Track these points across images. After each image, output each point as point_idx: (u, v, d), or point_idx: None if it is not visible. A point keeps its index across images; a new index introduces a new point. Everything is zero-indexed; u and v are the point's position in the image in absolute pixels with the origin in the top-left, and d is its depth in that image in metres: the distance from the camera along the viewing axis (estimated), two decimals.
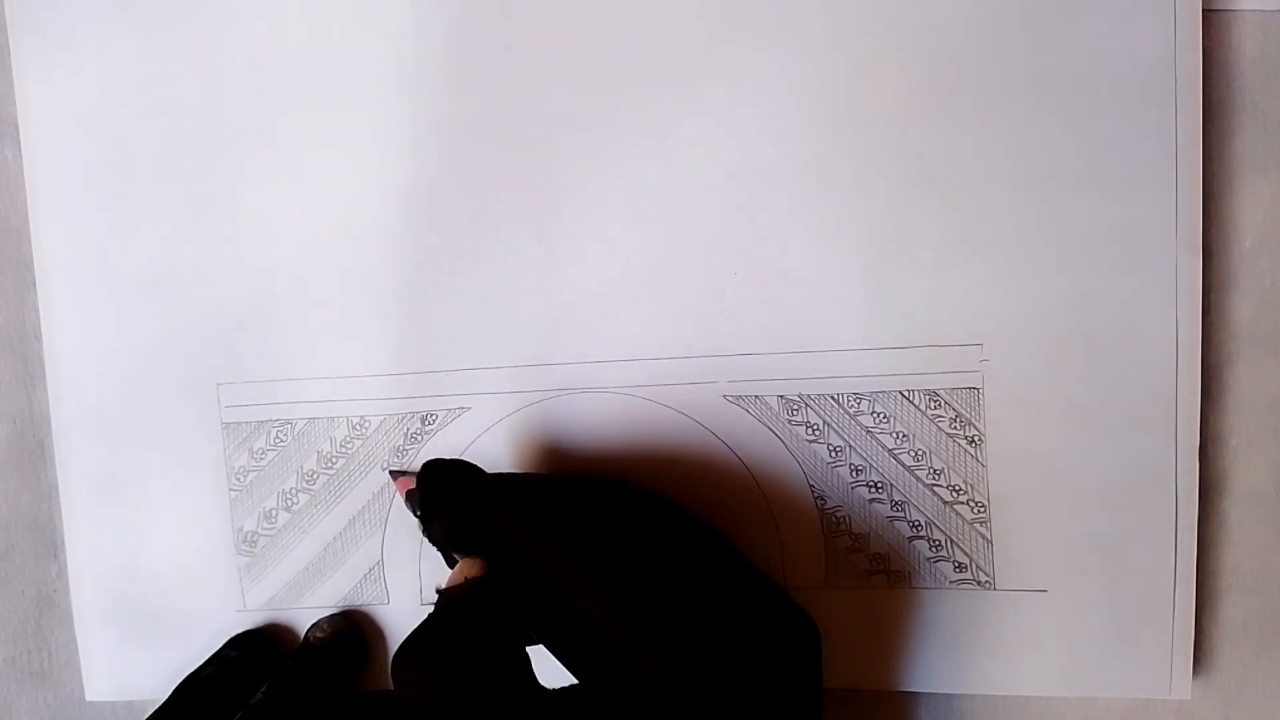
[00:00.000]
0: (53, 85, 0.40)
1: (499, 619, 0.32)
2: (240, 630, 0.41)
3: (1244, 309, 0.37)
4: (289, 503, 0.41)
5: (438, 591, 0.33)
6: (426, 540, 0.36)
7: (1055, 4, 0.35)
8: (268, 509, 0.41)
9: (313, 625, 0.41)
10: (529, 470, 0.39)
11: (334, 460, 0.40)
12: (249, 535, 0.41)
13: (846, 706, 0.39)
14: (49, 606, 0.43)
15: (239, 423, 0.41)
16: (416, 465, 0.40)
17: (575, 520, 0.33)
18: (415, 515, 0.36)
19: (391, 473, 0.40)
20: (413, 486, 0.36)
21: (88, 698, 0.43)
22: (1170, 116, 0.35)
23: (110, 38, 0.40)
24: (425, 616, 0.32)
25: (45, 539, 0.43)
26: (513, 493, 0.35)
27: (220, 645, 0.41)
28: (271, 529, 0.41)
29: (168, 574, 0.42)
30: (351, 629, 0.41)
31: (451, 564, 0.35)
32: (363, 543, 0.40)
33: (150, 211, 0.40)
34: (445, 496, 0.35)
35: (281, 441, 0.40)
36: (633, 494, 0.35)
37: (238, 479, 0.41)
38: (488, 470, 0.37)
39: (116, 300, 0.41)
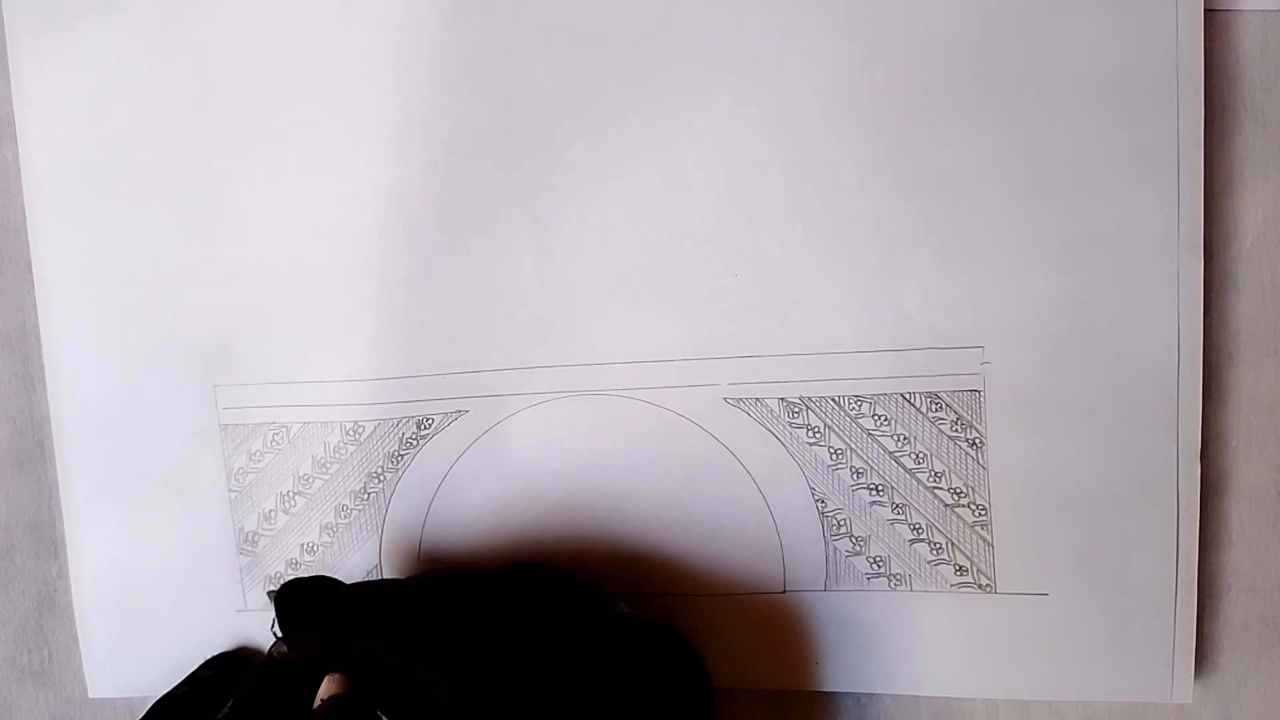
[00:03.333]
0: (50, 84, 0.40)
1: None
2: (238, 629, 0.41)
3: (1244, 309, 0.37)
4: (287, 505, 0.41)
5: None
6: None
7: (1056, 4, 0.35)
8: (267, 510, 0.41)
9: (277, 640, 0.41)
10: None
11: (328, 465, 0.40)
12: (250, 535, 0.41)
13: (845, 709, 0.39)
14: (49, 606, 0.43)
15: (237, 424, 0.41)
16: (413, 469, 0.40)
17: (427, 627, 0.34)
18: (276, 637, 0.37)
19: (269, 594, 0.39)
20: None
21: (90, 695, 0.43)
22: (1172, 117, 0.35)
23: (108, 37, 0.39)
24: None
25: (45, 539, 0.43)
26: (367, 606, 0.36)
27: (197, 665, 0.41)
28: (272, 530, 0.41)
29: (169, 573, 0.41)
30: None
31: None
32: (360, 546, 0.40)
33: (149, 211, 0.40)
34: (303, 617, 0.36)
35: (278, 445, 0.40)
36: (492, 582, 0.36)
37: (237, 480, 0.41)
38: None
39: (115, 300, 0.41)
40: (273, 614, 0.37)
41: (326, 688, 0.34)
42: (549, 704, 0.32)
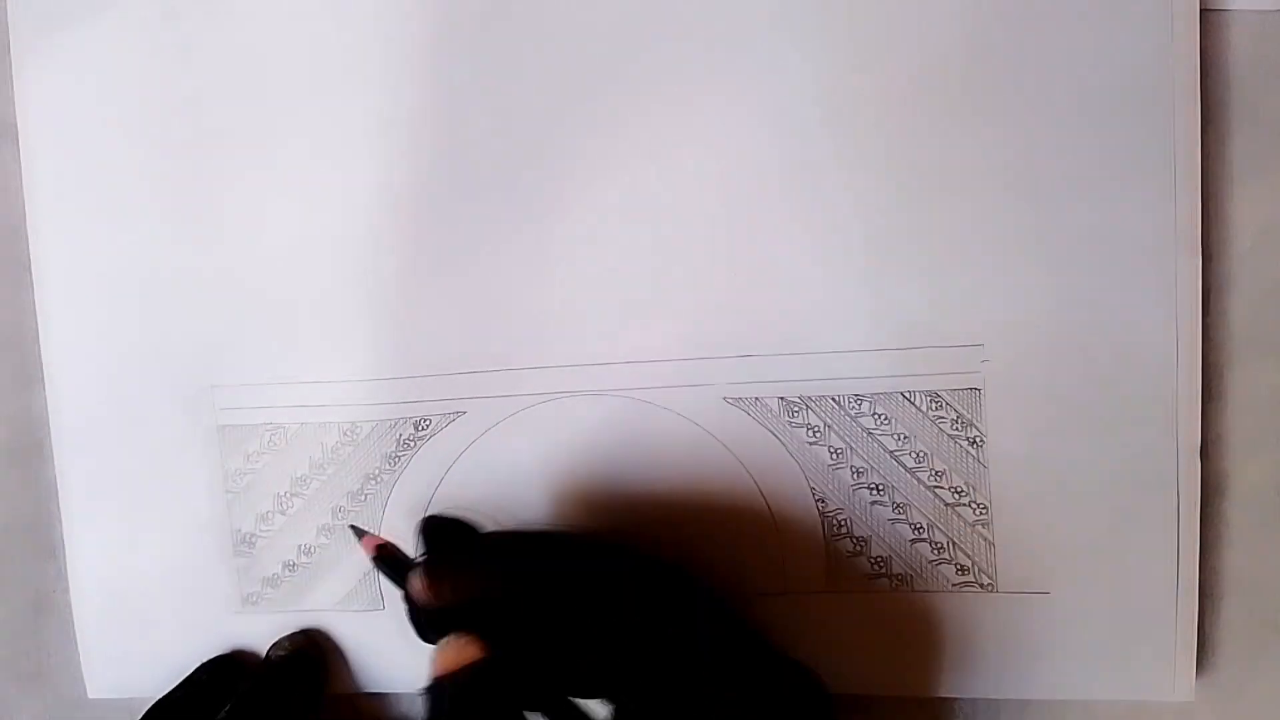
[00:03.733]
0: (51, 87, 0.40)
1: (502, 704, 0.30)
2: (235, 630, 0.41)
3: (1243, 309, 0.37)
4: (284, 506, 0.41)
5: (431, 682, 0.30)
6: (407, 609, 0.33)
7: (1052, 6, 0.35)
8: (264, 511, 0.41)
9: (274, 644, 0.41)
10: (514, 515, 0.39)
11: (325, 466, 0.40)
12: (247, 536, 0.41)
13: (846, 710, 0.39)
14: (47, 607, 0.43)
15: (234, 425, 0.40)
16: (410, 470, 0.40)
17: (580, 587, 0.32)
18: (390, 577, 0.34)
19: (354, 528, 0.39)
20: (381, 542, 0.35)
21: (89, 695, 0.42)
22: (1168, 118, 0.35)
23: (108, 40, 0.39)
24: (423, 708, 0.30)
25: (43, 540, 0.42)
26: (522, 553, 0.33)
27: (193, 669, 0.41)
28: (269, 531, 0.41)
29: (166, 574, 0.41)
30: (312, 648, 0.41)
31: (426, 638, 0.32)
32: (357, 548, 0.40)
33: (146, 213, 0.40)
34: (447, 557, 0.33)
35: (275, 445, 0.40)
36: (636, 558, 0.34)
37: (234, 481, 0.41)
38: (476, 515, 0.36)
39: (113, 301, 0.41)
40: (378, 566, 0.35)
41: (459, 653, 0.30)
42: (691, 701, 0.31)
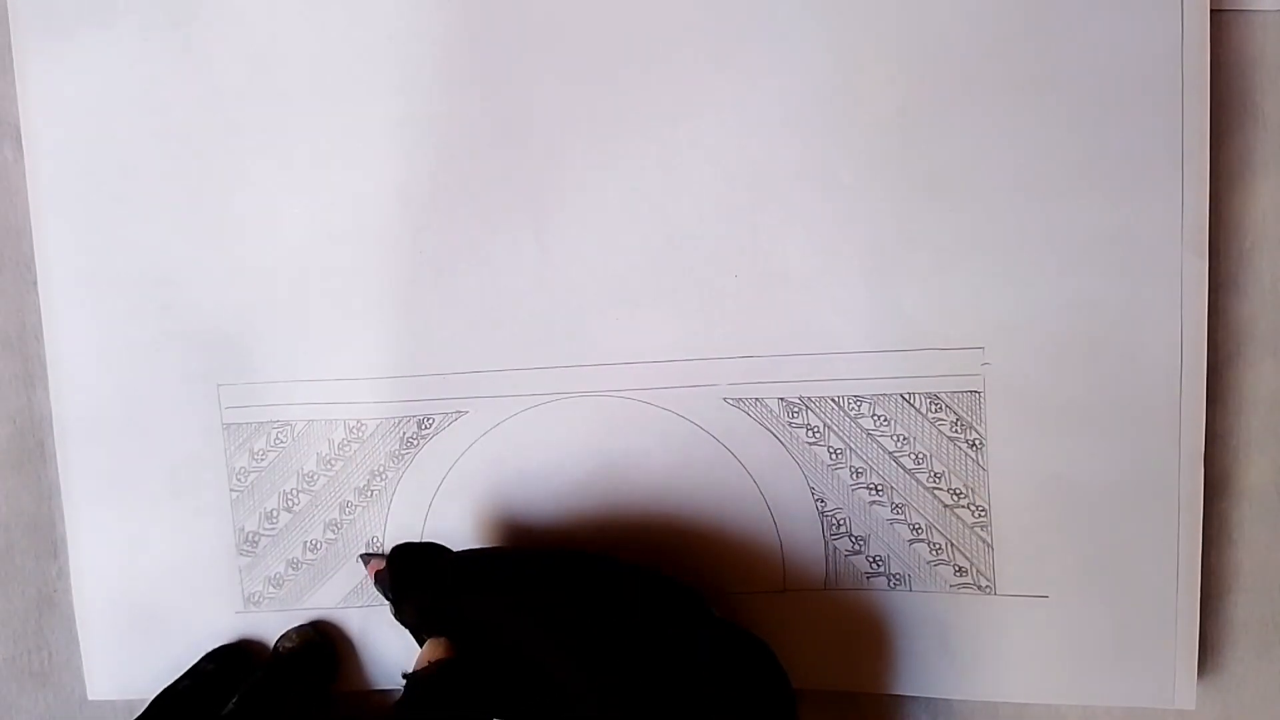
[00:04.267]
0: (54, 86, 0.40)
1: (465, 700, 0.33)
2: (237, 630, 0.41)
3: (1244, 309, 0.37)
4: (290, 503, 0.41)
5: (405, 676, 0.34)
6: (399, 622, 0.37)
7: (1060, 4, 0.35)
8: (269, 509, 0.41)
9: (281, 636, 0.41)
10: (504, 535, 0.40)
11: (332, 463, 0.40)
12: (250, 535, 0.41)
13: (844, 709, 0.39)
14: (49, 606, 0.43)
15: (240, 424, 0.41)
16: (413, 469, 0.40)
17: (543, 598, 0.34)
18: (387, 598, 0.37)
19: (362, 556, 0.40)
20: (381, 568, 0.37)
21: (90, 696, 0.42)
22: (1176, 117, 0.35)
23: (112, 39, 0.39)
24: (395, 703, 0.34)
25: (45, 539, 0.43)
26: (480, 572, 0.36)
27: (199, 658, 0.41)
28: (273, 529, 0.41)
29: (169, 574, 0.41)
30: (320, 639, 0.41)
31: (421, 643, 0.36)
32: (362, 543, 0.40)
33: (151, 212, 0.40)
34: (415, 579, 0.36)
35: (281, 443, 0.40)
36: (598, 565, 0.36)
37: (239, 479, 0.41)
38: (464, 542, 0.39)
39: (118, 300, 0.41)
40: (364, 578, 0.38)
41: (431, 652, 0.34)
42: (653, 700, 0.32)
